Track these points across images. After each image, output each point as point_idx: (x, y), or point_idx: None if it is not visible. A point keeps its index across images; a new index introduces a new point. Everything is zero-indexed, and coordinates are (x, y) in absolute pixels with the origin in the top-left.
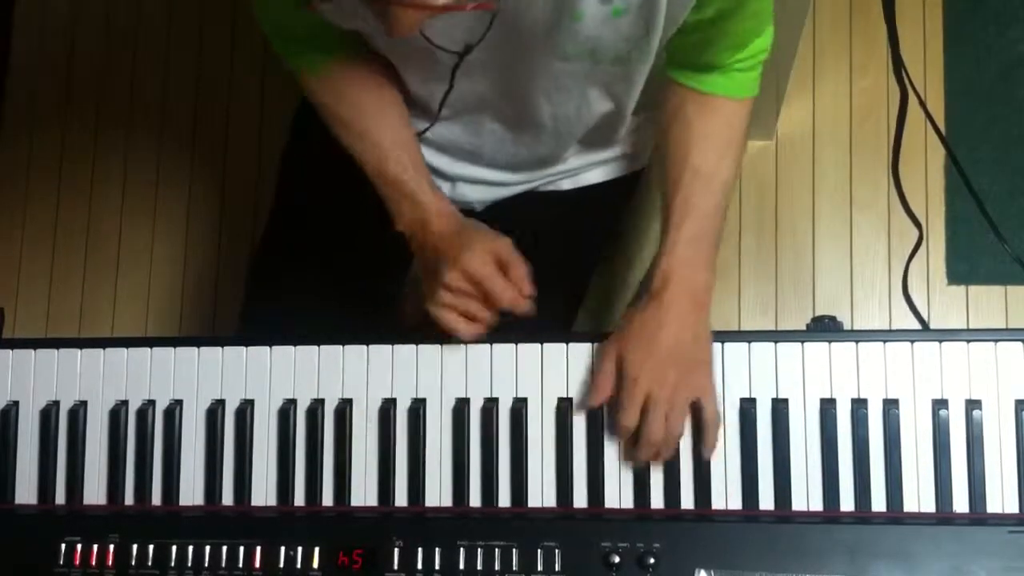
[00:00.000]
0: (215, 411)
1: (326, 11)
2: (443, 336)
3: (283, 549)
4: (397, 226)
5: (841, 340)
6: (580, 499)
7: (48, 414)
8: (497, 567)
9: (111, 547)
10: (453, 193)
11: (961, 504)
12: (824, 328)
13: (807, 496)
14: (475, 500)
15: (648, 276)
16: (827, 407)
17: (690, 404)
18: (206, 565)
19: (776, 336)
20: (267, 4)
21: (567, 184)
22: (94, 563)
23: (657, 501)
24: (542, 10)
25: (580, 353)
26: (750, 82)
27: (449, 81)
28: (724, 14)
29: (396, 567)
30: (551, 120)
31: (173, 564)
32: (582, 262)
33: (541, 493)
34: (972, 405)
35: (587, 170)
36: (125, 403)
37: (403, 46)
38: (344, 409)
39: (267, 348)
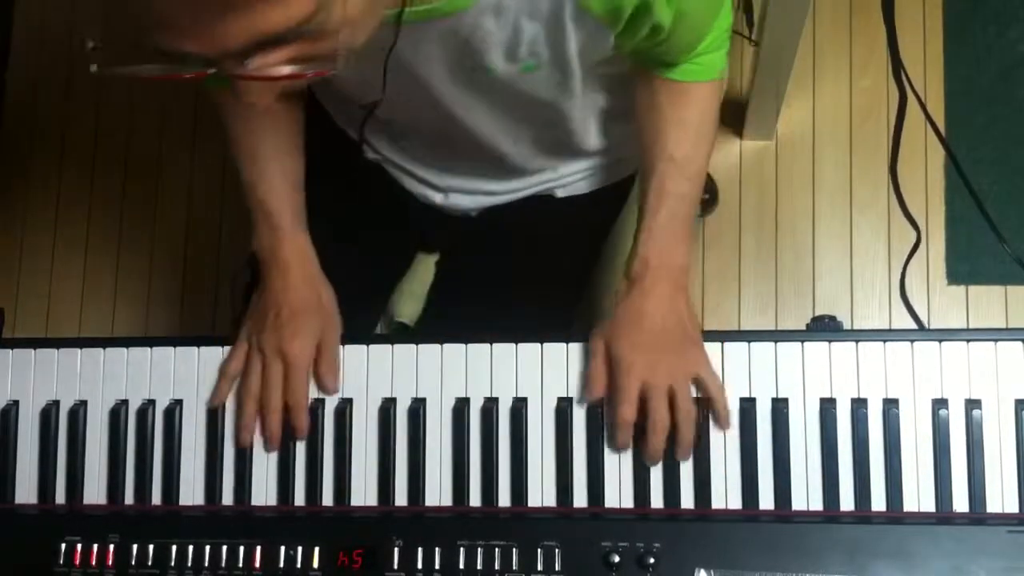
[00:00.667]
0: (215, 411)
1: None
2: (442, 335)
3: (283, 549)
4: (253, 245)
5: (841, 340)
6: (580, 499)
7: (48, 414)
8: (497, 567)
9: (111, 547)
10: (447, 202)
11: (961, 504)
12: (824, 328)
13: (807, 496)
14: (475, 500)
15: (627, 263)
16: (827, 407)
17: (691, 380)
18: (206, 565)
19: (776, 336)
20: None
21: (561, 192)
22: (94, 563)
23: (657, 501)
24: (443, 68)
25: (580, 353)
26: (718, 61)
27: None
28: (659, 42)
29: (396, 567)
30: (511, 145)
31: (173, 564)
32: (580, 262)
33: (541, 493)
34: (972, 405)
35: (579, 178)
36: (125, 403)
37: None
38: (344, 409)
39: None
